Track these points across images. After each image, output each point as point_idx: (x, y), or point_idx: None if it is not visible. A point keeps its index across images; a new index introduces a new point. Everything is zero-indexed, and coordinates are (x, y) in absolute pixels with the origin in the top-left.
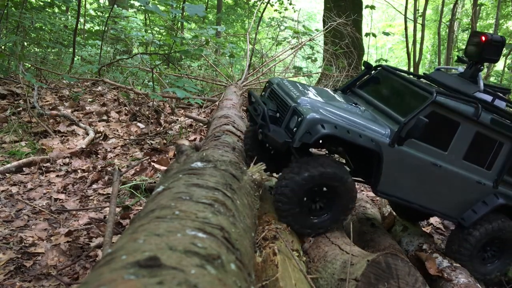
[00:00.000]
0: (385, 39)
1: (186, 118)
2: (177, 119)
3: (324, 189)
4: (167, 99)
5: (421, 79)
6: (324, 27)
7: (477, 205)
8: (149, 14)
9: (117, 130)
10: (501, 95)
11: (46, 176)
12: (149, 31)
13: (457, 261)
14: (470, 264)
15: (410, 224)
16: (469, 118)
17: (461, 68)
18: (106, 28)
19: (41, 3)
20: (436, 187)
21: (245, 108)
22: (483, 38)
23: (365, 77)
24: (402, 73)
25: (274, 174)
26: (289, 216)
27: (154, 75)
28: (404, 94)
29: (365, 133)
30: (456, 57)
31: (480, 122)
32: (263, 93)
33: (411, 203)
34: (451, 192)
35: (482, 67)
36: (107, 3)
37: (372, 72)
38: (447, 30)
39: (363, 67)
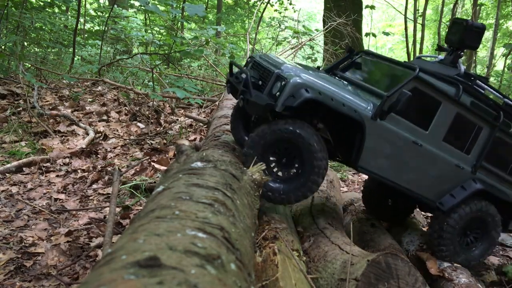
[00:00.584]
0: (385, 39)
1: (186, 118)
2: (177, 119)
3: (288, 147)
4: (167, 99)
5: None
6: (324, 27)
7: (455, 190)
8: (149, 14)
9: (117, 130)
10: (480, 83)
11: (46, 176)
12: (149, 31)
13: (440, 247)
14: (453, 249)
15: (410, 224)
16: (450, 97)
17: (442, 56)
18: (106, 28)
19: (41, 3)
20: (416, 167)
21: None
22: (464, 24)
23: (347, 61)
24: (384, 56)
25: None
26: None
27: (154, 75)
28: (387, 73)
29: (348, 103)
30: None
31: (460, 103)
32: (244, 67)
33: (390, 182)
34: (430, 174)
35: (462, 53)
36: (107, 3)
37: (354, 57)
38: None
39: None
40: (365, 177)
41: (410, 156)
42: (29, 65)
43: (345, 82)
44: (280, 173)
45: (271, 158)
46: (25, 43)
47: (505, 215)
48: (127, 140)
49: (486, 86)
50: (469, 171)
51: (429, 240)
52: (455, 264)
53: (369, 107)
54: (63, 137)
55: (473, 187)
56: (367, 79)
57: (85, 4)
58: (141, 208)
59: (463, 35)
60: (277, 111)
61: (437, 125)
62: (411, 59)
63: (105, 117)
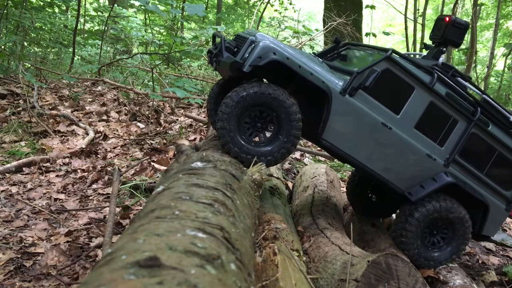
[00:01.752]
0: (385, 39)
1: (186, 118)
2: (177, 119)
3: (263, 111)
4: (167, 99)
5: None
6: (324, 27)
7: (426, 181)
8: (149, 14)
9: (117, 130)
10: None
11: (46, 176)
12: (149, 31)
13: (401, 239)
14: (415, 244)
15: None
16: (424, 84)
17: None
18: (106, 28)
19: (41, 3)
20: (384, 150)
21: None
22: (447, 19)
23: (333, 52)
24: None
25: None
26: (227, 136)
27: (154, 75)
28: (367, 59)
29: (317, 74)
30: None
31: (434, 92)
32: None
33: (356, 162)
34: (400, 160)
35: (444, 48)
36: (107, 3)
37: (341, 48)
38: None
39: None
40: None
41: (379, 137)
42: (29, 65)
43: (326, 66)
44: (256, 138)
45: (246, 122)
46: (25, 43)
47: (479, 217)
48: (127, 140)
49: (466, 83)
50: (441, 163)
51: (393, 231)
52: (450, 265)
53: (340, 82)
54: (63, 137)
55: (444, 179)
56: (348, 64)
57: (85, 4)
58: (141, 208)
59: (445, 31)
60: (245, 71)
61: (409, 110)
62: None
63: (105, 117)
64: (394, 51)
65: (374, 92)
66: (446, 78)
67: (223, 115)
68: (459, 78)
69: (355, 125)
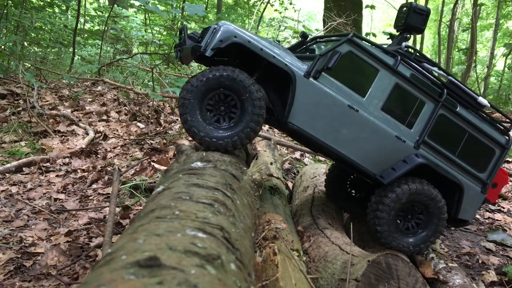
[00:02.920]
0: (386, 39)
1: None
2: (177, 119)
3: (225, 94)
4: (167, 99)
5: None
6: (324, 27)
7: (397, 163)
8: (149, 14)
9: (117, 130)
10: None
11: (46, 176)
12: (149, 31)
13: (375, 225)
14: (388, 229)
15: None
16: (387, 66)
17: None
18: (106, 27)
19: (41, 3)
20: (352, 133)
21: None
22: (409, 6)
23: (302, 47)
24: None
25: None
26: (190, 121)
27: (154, 75)
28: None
29: (279, 57)
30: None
31: (399, 73)
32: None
33: (325, 145)
34: (368, 142)
35: (408, 35)
36: (107, 3)
37: (309, 43)
38: (447, 30)
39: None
40: None
41: (346, 120)
42: (29, 65)
43: (292, 53)
44: (217, 121)
45: (208, 105)
46: (25, 43)
47: (455, 201)
48: (127, 140)
49: (432, 67)
50: (411, 145)
51: (367, 215)
52: (449, 265)
53: (304, 67)
54: (63, 137)
55: (415, 161)
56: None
57: (85, 4)
58: (141, 208)
59: (407, 18)
60: (207, 55)
61: (374, 93)
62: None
63: (105, 117)
64: (355, 35)
65: (339, 75)
66: (410, 61)
67: (184, 100)
68: (424, 62)
69: (320, 108)
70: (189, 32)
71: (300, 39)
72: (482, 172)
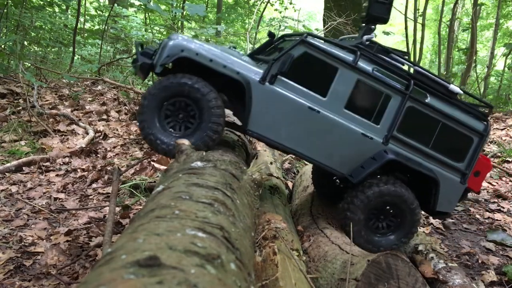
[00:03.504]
0: (386, 39)
1: None
2: None
3: (184, 102)
4: None
5: None
6: (324, 26)
7: (366, 161)
8: (149, 13)
9: (117, 129)
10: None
11: (45, 175)
12: (149, 30)
13: (345, 223)
14: (358, 228)
15: None
16: (346, 63)
17: None
18: (106, 27)
19: (41, 2)
20: (316, 134)
21: None
22: None
23: (270, 47)
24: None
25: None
26: (147, 129)
27: (154, 74)
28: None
29: (232, 66)
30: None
31: (360, 69)
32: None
33: (290, 150)
34: (334, 142)
35: (373, 26)
36: (107, 2)
37: (278, 41)
38: (447, 30)
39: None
40: None
41: (308, 122)
42: (29, 64)
43: (248, 58)
44: (175, 129)
45: (167, 112)
46: (25, 42)
47: (432, 194)
48: (127, 140)
49: (400, 58)
50: (379, 141)
51: (338, 215)
52: (449, 265)
53: (261, 71)
54: (63, 136)
55: (384, 157)
56: (273, 54)
57: (85, 3)
58: (141, 207)
59: (369, 8)
60: (157, 72)
61: (336, 92)
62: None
63: (105, 117)
64: (309, 34)
65: (297, 77)
66: (372, 55)
67: (142, 107)
68: (391, 54)
69: (279, 112)
70: (146, 46)
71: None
72: (460, 162)
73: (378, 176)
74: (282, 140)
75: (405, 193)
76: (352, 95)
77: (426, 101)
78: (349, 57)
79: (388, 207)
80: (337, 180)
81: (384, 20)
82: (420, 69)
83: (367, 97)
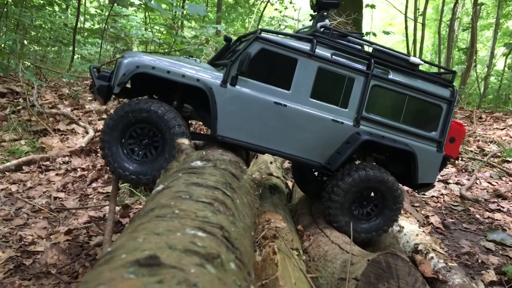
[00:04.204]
0: (386, 38)
1: None
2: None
3: (146, 127)
4: None
5: None
6: None
7: (340, 146)
8: (149, 13)
9: None
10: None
11: (45, 174)
12: (149, 30)
13: (329, 213)
14: (342, 216)
15: (406, 224)
16: (304, 53)
17: None
18: (106, 26)
19: (41, 1)
20: (286, 129)
21: None
22: None
23: (229, 50)
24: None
25: None
26: (107, 150)
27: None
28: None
29: (190, 74)
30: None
31: (319, 57)
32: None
33: (263, 149)
34: (306, 134)
35: (325, 13)
36: (107, 2)
37: (235, 44)
38: (448, 29)
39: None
40: None
41: (276, 117)
42: (29, 64)
43: (200, 61)
44: (138, 155)
45: (129, 142)
46: (25, 41)
47: (412, 168)
48: None
49: (358, 40)
50: (350, 125)
51: (322, 204)
52: (449, 264)
53: (220, 76)
54: (63, 135)
55: (357, 139)
56: (231, 57)
57: (85, 3)
58: (140, 207)
59: None
60: (116, 92)
61: (299, 83)
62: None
63: (104, 116)
64: (262, 30)
65: (258, 75)
66: (329, 41)
67: (103, 143)
68: (349, 37)
69: (246, 113)
70: (102, 70)
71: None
72: (434, 131)
73: (356, 162)
74: (255, 140)
75: (384, 176)
76: (316, 83)
77: (389, 77)
78: (306, 47)
79: (371, 193)
80: (316, 173)
81: (335, 5)
82: (379, 47)
83: (331, 83)
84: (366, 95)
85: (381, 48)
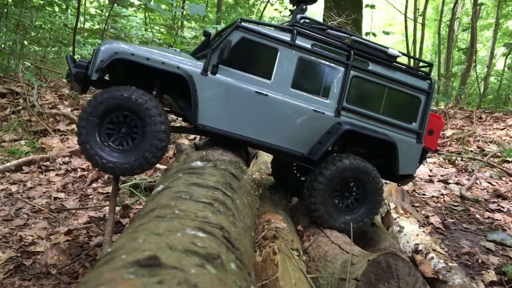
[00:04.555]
0: (385, 38)
1: None
2: (177, 118)
3: (126, 115)
4: None
5: None
6: None
7: (322, 136)
8: (149, 13)
9: None
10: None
11: (45, 175)
12: (149, 30)
13: (310, 205)
14: (324, 208)
15: (406, 224)
16: (285, 43)
17: None
18: (106, 26)
19: (41, 2)
20: (267, 118)
21: None
22: None
23: (209, 45)
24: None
25: None
26: (89, 149)
27: None
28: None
29: (170, 62)
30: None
31: (299, 47)
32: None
33: (244, 138)
34: (287, 123)
35: (304, 6)
36: (107, 2)
37: (215, 39)
38: (447, 30)
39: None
40: None
41: (257, 107)
42: (29, 64)
43: (188, 55)
44: (116, 144)
45: (108, 128)
46: (25, 42)
47: (392, 159)
48: None
49: (337, 33)
50: (332, 115)
51: (303, 194)
52: (449, 264)
53: (200, 65)
54: (63, 136)
55: (338, 129)
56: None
57: (85, 3)
58: (140, 207)
59: None
60: (94, 80)
61: (280, 72)
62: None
63: None
64: (242, 19)
65: (239, 64)
66: (309, 32)
67: (80, 129)
68: (328, 30)
69: (227, 102)
70: (79, 60)
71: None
72: (413, 123)
73: (335, 154)
74: (235, 130)
75: (367, 167)
76: (297, 74)
77: (369, 68)
78: (287, 37)
79: (352, 185)
80: (295, 171)
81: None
82: (358, 39)
83: (311, 73)
84: (346, 86)
85: (361, 40)
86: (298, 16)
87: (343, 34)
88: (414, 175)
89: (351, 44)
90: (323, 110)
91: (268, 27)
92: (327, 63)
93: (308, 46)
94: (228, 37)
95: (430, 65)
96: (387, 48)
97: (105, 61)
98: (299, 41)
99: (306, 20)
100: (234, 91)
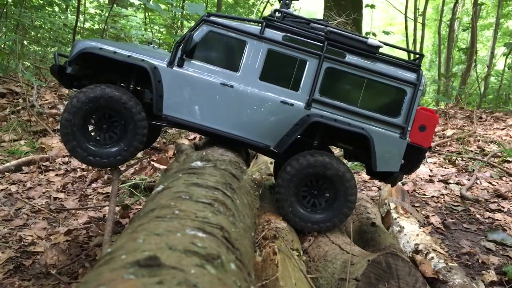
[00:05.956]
0: (386, 38)
1: None
2: None
3: (108, 112)
4: None
5: None
6: None
7: (290, 129)
8: (149, 13)
9: None
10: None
11: (45, 175)
12: (148, 30)
13: (277, 201)
14: (287, 203)
15: (406, 224)
16: (254, 35)
17: None
18: (105, 26)
19: (41, 2)
20: (233, 109)
21: None
22: None
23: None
24: None
25: None
26: (76, 148)
27: None
28: None
29: (136, 55)
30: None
31: (268, 39)
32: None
33: (209, 129)
34: (254, 115)
35: (288, 1)
36: (106, 2)
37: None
38: (448, 29)
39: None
40: (366, 177)
41: (223, 99)
42: (29, 64)
43: (164, 50)
44: (101, 138)
45: (90, 126)
46: (25, 42)
47: (370, 154)
48: None
49: (319, 26)
50: (301, 107)
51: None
52: (449, 264)
53: (167, 58)
54: None
55: (306, 121)
56: None
57: (84, 3)
58: (140, 207)
59: None
60: (68, 72)
61: (247, 65)
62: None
63: None
64: (210, 14)
65: (206, 56)
66: (280, 24)
67: (65, 129)
68: (311, 23)
69: (192, 93)
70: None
71: None
72: (396, 117)
73: (306, 151)
74: (200, 121)
75: (334, 164)
76: (266, 66)
77: (345, 59)
78: (255, 30)
79: (319, 181)
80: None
81: None
82: (335, 30)
83: (281, 65)
84: (318, 77)
85: (337, 31)
86: (272, 9)
87: (322, 26)
88: (399, 173)
89: (326, 35)
90: (292, 101)
91: (239, 21)
92: (297, 54)
93: (279, 38)
94: (194, 31)
95: (420, 55)
96: (367, 38)
97: (75, 54)
98: (269, 34)
99: (281, 10)
100: (198, 83)
